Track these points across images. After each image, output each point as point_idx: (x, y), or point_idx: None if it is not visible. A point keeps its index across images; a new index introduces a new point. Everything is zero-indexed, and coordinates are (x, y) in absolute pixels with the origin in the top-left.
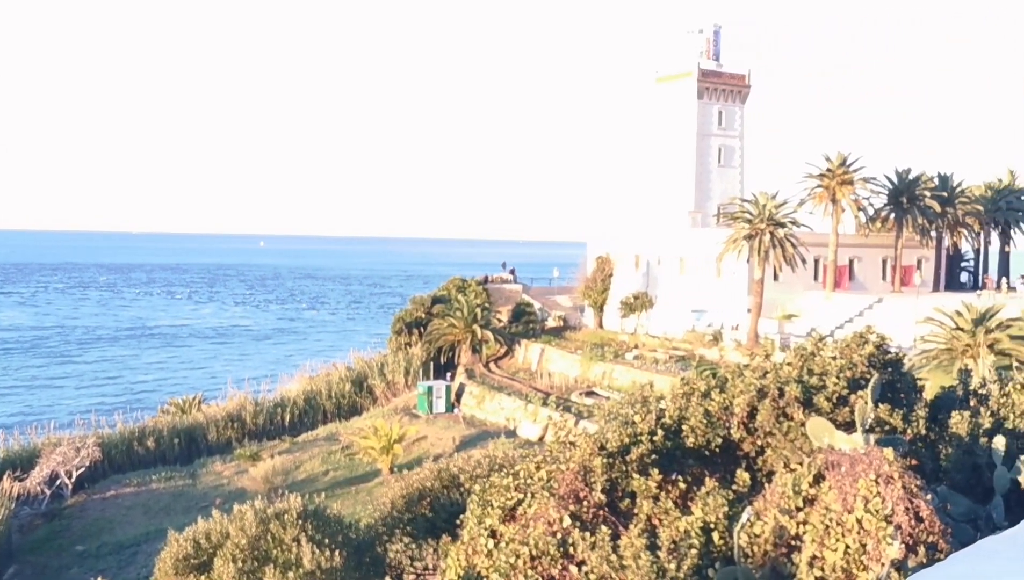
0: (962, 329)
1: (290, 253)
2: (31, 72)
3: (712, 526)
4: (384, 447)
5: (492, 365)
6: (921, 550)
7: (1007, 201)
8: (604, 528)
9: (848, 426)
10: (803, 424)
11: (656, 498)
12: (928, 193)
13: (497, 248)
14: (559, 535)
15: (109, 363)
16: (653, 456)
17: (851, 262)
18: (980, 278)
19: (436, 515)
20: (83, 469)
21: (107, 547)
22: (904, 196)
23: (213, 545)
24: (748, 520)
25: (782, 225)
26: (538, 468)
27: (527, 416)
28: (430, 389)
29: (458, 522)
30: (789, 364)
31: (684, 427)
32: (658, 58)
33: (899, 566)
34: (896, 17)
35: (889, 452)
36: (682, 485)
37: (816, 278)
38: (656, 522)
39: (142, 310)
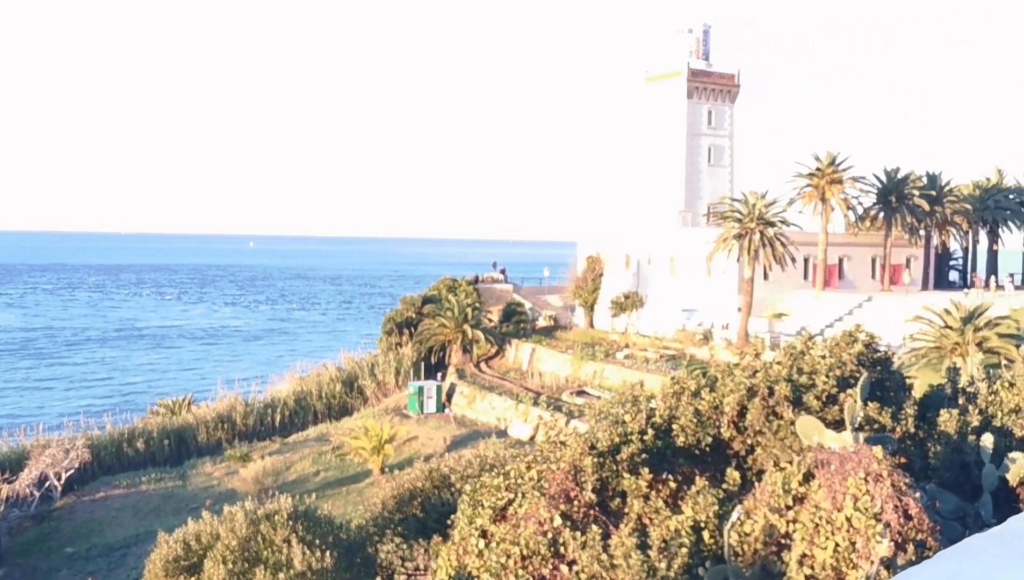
0: (951, 327)
1: (280, 253)
2: (16, 72)
3: (702, 525)
4: (375, 447)
5: (483, 365)
6: (910, 548)
7: (995, 200)
8: (595, 527)
9: (837, 424)
10: (793, 423)
11: (646, 497)
12: (917, 192)
13: (487, 248)
14: (550, 535)
15: (98, 364)
16: (643, 455)
17: (840, 261)
18: (969, 277)
19: (427, 515)
20: (72, 471)
21: (97, 549)
22: (893, 195)
23: (203, 547)
24: (738, 519)
25: (772, 224)
26: (529, 468)
27: (518, 416)
28: (421, 389)
29: (449, 522)
30: (779, 363)
31: (674, 426)
32: (648, 58)
33: (888, 564)
34: (888, 17)
35: (878, 450)
36: (672, 484)
37: (806, 277)
38: (647, 521)
39: (131, 311)
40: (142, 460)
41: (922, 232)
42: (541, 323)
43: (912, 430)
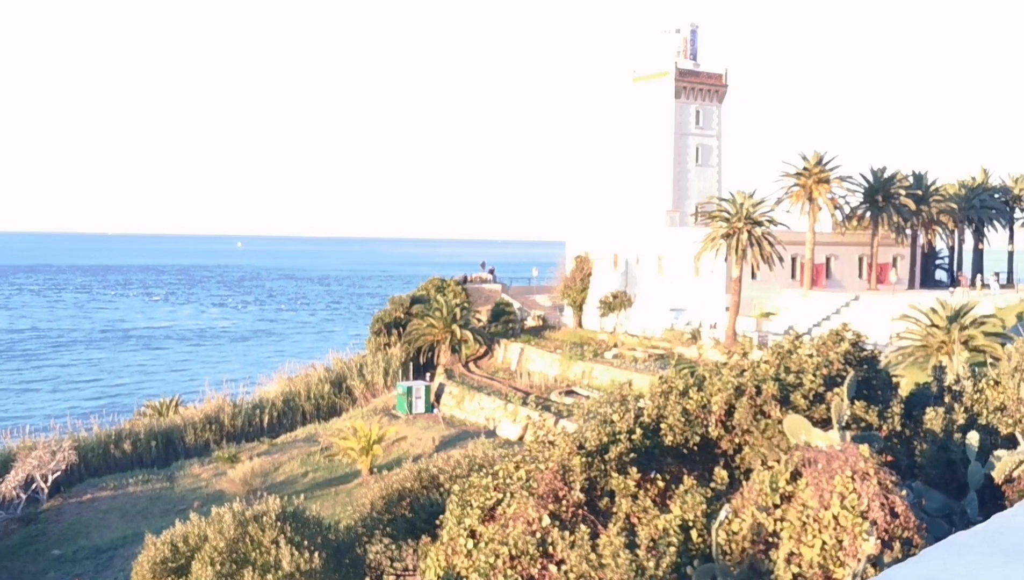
0: (937, 326)
1: (268, 254)
2: None
3: (690, 524)
4: (364, 448)
5: (472, 365)
6: (896, 546)
7: (980, 199)
8: (583, 527)
9: (825, 423)
10: (780, 422)
11: (635, 496)
12: (903, 191)
13: (476, 248)
14: (538, 534)
15: (85, 366)
16: (632, 455)
17: (828, 260)
18: (955, 276)
19: (416, 515)
20: (59, 473)
21: (84, 551)
22: (879, 194)
23: (191, 548)
24: (726, 518)
25: (759, 224)
26: (517, 468)
27: (507, 416)
28: (409, 389)
29: (438, 522)
30: (766, 362)
31: (662, 426)
32: (635, 57)
33: (875, 562)
34: (878, 17)
35: (865, 449)
36: (661, 483)
37: (793, 276)
38: (635, 520)
39: (118, 312)
40: (129, 462)
41: (908, 231)
42: (530, 323)
43: (898, 428)
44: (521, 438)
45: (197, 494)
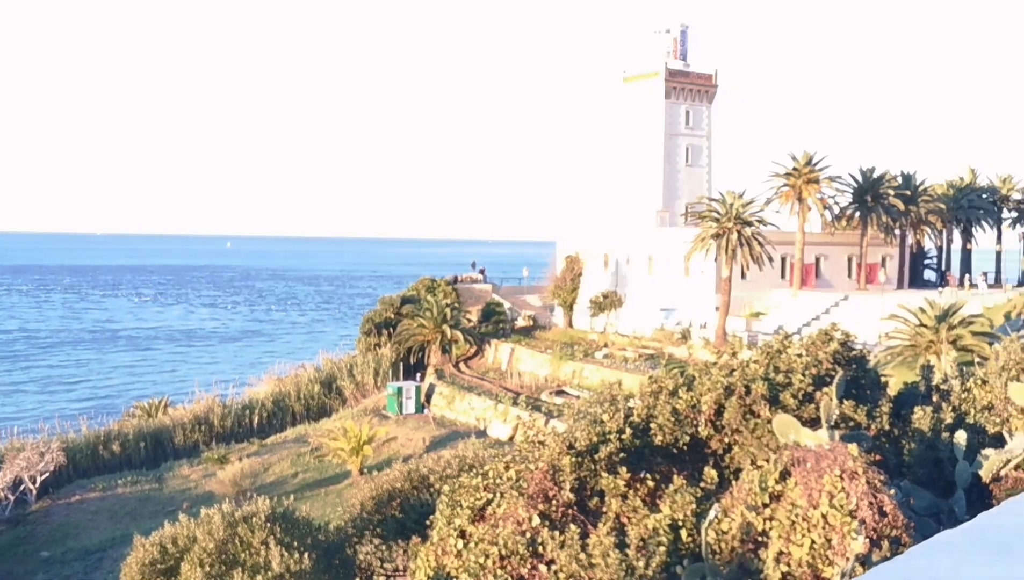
0: (925, 326)
1: (258, 254)
2: None
3: (680, 523)
4: (354, 448)
5: (462, 365)
6: (885, 544)
7: (968, 199)
8: (573, 527)
9: (814, 422)
10: (770, 421)
11: (625, 496)
12: (892, 192)
13: (467, 248)
14: (528, 534)
15: (74, 366)
16: (622, 454)
17: (817, 260)
18: (943, 275)
19: (406, 516)
20: (47, 474)
21: (72, 553)
22: (869, 195)
23: (180, 549)
24: (716, 517)
25: (749, 224)
26: (507, 468)
27: (497, 416)
28: (400, 390)
29: (428, 523)
30: (756, 362)
31: (652, 425)
32: (626, 58)
33: (863, 560)
34: (867, 18)
35: (853, 448)
36: (650, 483)
37: (783, 276)
38: (625, 520)
39: (107, 312)
40: (118, 463)
41: (897, 231)
42: (520, 323)
43: (887, 427)
44: (511, 438)
45: (186, 495)
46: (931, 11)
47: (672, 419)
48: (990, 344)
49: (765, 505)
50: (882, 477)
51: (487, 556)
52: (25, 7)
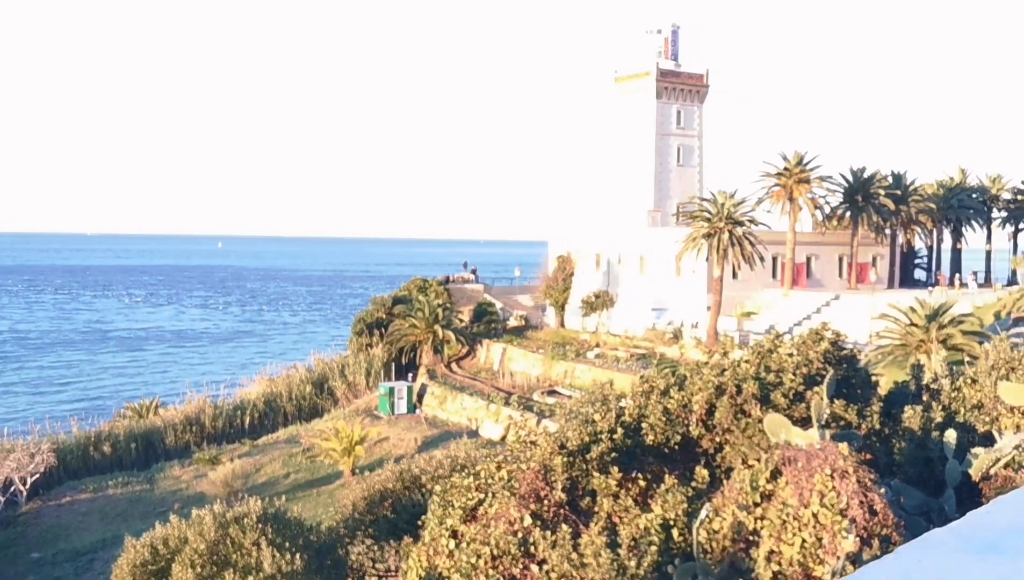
0: (916, 325)
1: (249, 254)
2: None
3: (672, 523)
4: (345, 449)
5: (454, 365)
6: (875, 543)
7: (958, 199)
8: (565, 527)
9: (805, 422)
10: (761, 420)
11: (616, 496)
12: (882, 192)
13: (459, 248)
14: (520, 534)
15: (64, 367)
16: (613, 454)
17: (808, 260)
18: (933, 275)
19: (398, 516)
20: (38, 475)
21: (63, 554)
22: (859, 194)
23: (171, 551)
24: (707, 516)
25: (740, 224)
26: (499, 468)
27: (489, 416)
28: (391, 390)
29: (420, 523)
30: (747, 361)
31: (644, 425)
32: (617, 58)
33: (854, 559)
34: (859, 18)
35: (844, 447)
36: (642, 483)
37: (774, 276)
38: (616, 520)
39: (98, 313)
40: (109, 464)
41: (888, 231)
42: (512, 323)
43: (877, 427)
44: (503, 438)
45: (177, 496)
46: (922, 11)
47: (663, 419)
48: (980, 343)
49: (756, 504)
50: (872, 476)
51: (479, 556)
52: (16, 7)
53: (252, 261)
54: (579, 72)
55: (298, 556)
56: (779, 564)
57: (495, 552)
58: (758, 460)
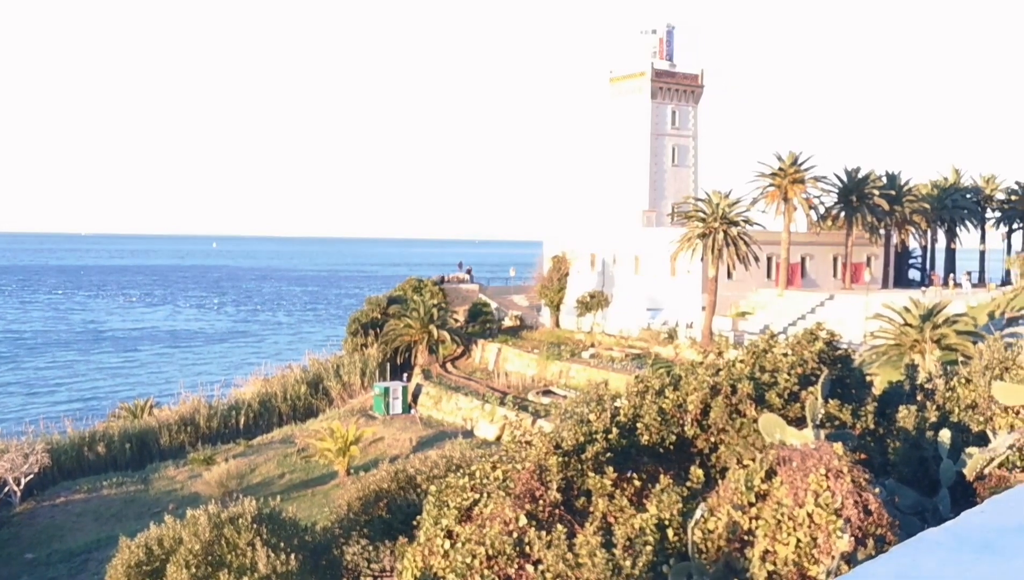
0: (910, 325)
1: (244, 254)
2: None
3: (667, 523)
4: (340, 449)
5: (449, 365)
6: (870, 543)
7: (952, 199)
8: (560, 527)
9: (799, 422)
10: (755, 420)
11: (611, 496)
12: (877, 192)
13: (454, 248)
14: (515, 534)
15: (59, 368)
16: (608, 454)
17: (803, 260)
18: (928, 275)
19: (393, 516)
20: (32, 476)
21: (57, 555)
22: (854, 195)
23: (166, 551)
24: (702, 516)
25: (735, 224)
26: (494, 468)
27: (484, 416)
28: (386, 390)
29: (415, 523)
30: (742, 361)
31: (639, 425)
32: (612, 58)
33: (849, 559)
34: (854, 19)
35: (839, 447)
36: (637, 482)
37: (769, 276)
38: (611, 520)
39: (93, 313)
40: (103, 464)
41: (882, 231)
42: (507, 323)
43: (872, 426)
44: (498, 438)
45: (172, 496)
46: (916, 12)
47: (659, 419)
48: (974, 343)
49: (751, 504)
50: (867, 476)
51: (474, 556)
52: (10, 6)
53: (247, 261)
54: (574, 72)
55: (293, 556)
56: (774, 564)
57: (490, 552)
58: (753, 460)
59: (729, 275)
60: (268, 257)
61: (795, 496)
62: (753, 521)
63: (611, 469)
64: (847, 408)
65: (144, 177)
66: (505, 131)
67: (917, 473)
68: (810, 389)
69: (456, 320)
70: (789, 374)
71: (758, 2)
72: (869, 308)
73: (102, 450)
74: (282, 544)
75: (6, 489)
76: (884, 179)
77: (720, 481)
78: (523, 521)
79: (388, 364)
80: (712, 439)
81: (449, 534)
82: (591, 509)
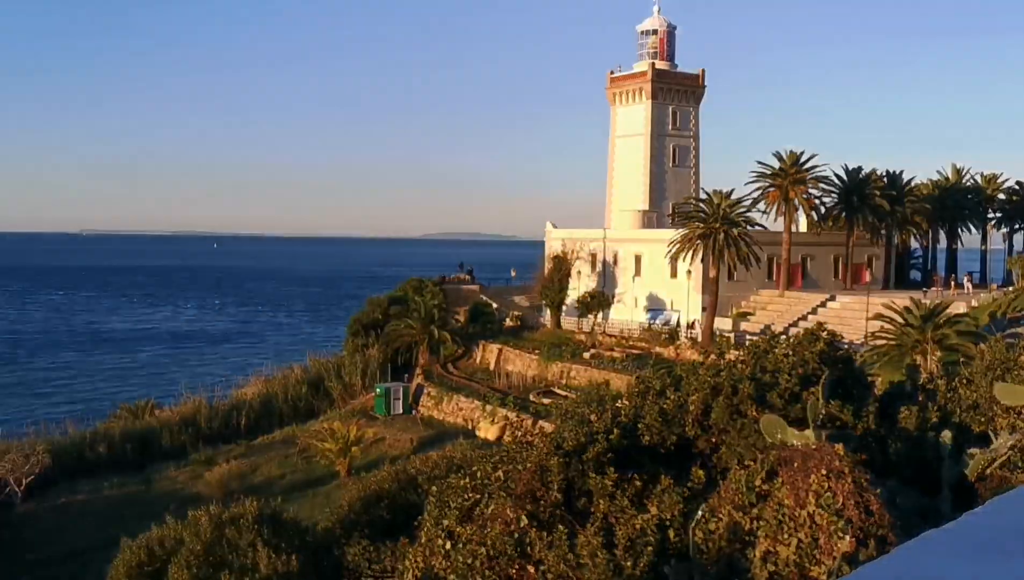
0: (911, 325)
1: (245, 254)
2: None
3: (668, 523)
4: (341, 449)
5: (450, 366)
6: (871, 543)
7: (954, 200)
8: (561, 527)
9: (800, 422)
10: (756, 421)
11: (612, 496)
12: (878, 192)
13: (455, 248)
14: (516, 535)
15: (60, 369)
16: (609, 455)
17: (804, 260)
18: (929, 275)
19: (394, 517)
20: (33, 476)
21: (58, 555)
22: (855, 195)
23: (167, 552)
24: (703, 517)
25: (736, 224)
26: (495, 468)
27: (485, 416)
28: (388, 390)
29: (416, 523)
30: (743, 362)
31: (640, 425)
32: (613, 58)
33: (850, 559)
34: (852, 18)
35: (840, 447)
36: (638, 483)
37: (770, 276)
38: (612, 520)
39: (94, 314)
40: (104, 465)
41: (883, 231)
42: (508, 323)
43: (873, 427)
44: (499, 438)
45: (173, 497)
46: (917, 11)
47: (659, 419)
48: (975, 343)
49: (752, 505)
50: (868, 476)
51: (475, 557)
52: (10, 6)
53: (248, 261)
54: (575, 72)
55: (294, 557)
56: (775, 564)
57: (491, 553)
58: (754, 460)
59: (730, 275)
60: (269, 257)
61: (796, 497)
62: (754, 522)
63: (612, 470)
64: (848, 409)
65: (144, 177)
66: (505, 132)
67: (918, 474)
68: (811, 389)
69: (457, 321)
70: (790, 375)
71: (758, 2)
72: (870, 308)
73: (103, 450)
74: (283, 545)
75: (7, 490)
76: (885, 179)
77: (721, 482)
78: (524, 521)
79: (389, 365)
80: (713, 440)
81: (450, 534)
82: (592, 509)
